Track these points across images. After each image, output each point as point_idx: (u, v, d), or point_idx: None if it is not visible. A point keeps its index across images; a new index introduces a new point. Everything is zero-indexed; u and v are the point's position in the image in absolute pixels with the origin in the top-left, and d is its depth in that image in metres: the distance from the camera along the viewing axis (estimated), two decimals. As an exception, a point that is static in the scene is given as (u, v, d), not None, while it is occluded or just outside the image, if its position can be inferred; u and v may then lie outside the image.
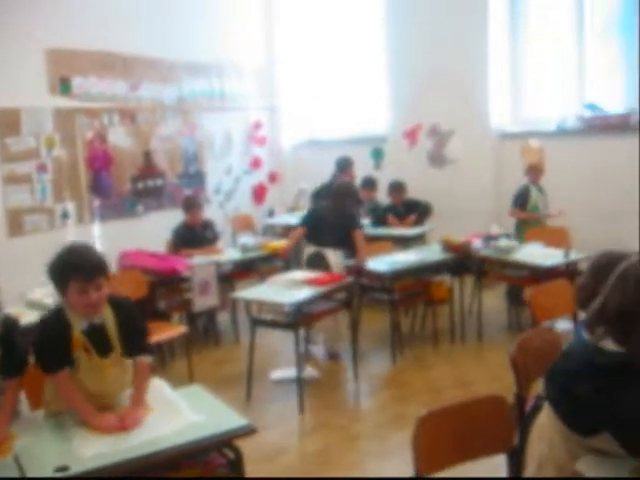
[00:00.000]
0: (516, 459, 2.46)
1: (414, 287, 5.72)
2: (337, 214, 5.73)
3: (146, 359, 2.89)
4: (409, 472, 2.37)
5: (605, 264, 2.61)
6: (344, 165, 7.54)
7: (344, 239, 5.64)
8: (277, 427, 4.49)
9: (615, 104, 7.48)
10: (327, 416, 4.68)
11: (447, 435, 2.41)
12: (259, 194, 9.48)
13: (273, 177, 9.69)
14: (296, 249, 7.70)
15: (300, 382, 4.74)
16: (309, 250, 5.82)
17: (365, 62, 9.11)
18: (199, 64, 8.51)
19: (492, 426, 2.49)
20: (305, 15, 9.51)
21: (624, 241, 5.04)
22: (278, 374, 5.32)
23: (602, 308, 2.11)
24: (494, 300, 6.37)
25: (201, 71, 8.60)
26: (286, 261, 6.49)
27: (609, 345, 2.07)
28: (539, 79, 7.97)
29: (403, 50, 8.39)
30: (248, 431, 2.60)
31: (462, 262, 5.79)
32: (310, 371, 5.36)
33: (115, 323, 2.79)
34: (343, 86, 9.37)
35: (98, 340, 2.75)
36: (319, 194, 7.56)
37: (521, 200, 6.34)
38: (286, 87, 9.73)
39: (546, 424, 2.23)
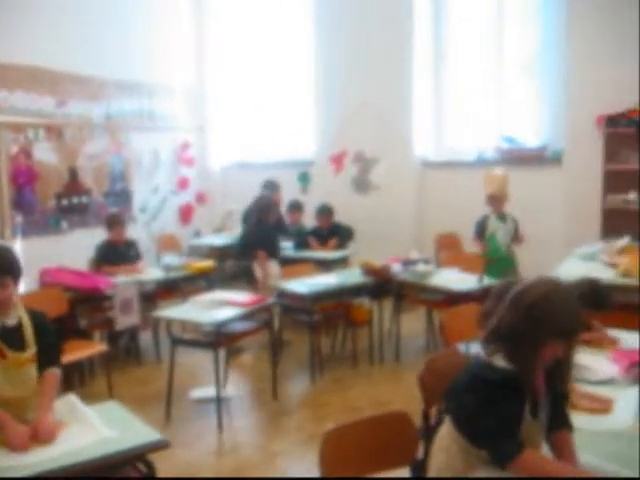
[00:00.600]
0: (419, 471, 2.58)
1: (334, 309, 5.86)
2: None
3: (56, 371, 2.92)
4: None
5: (506, 289, 2.79)
6: (270, 188, 7.64)
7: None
8: (195, 446, 4.53)
9: (532, 137, 7.85)
10: (245, 435, 4.74)
11: (353, 449, 2.53)
12: (186, 214, 9.49)
13: (201, 198, 9.72)
14: (221, 268, 7.80)
15: (219, 401, 4.80)
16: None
17: (294, 87, 9.29)
18: (129, 83, 8.51)
19: (397, 440, 2.62)
20: (236, 37, 9.65)
21: (546, 268, 5.24)
22: (198, 393, 5.36)
23: (495, 328, 2.28)
24: (413, 323, 6.56)
25: (131, 90, 8.59)
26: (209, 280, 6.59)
27: (499, 361, 2.23)
28: (461, 111, 8.30)
29: (331, 79, 8.61)
30: (161, 446, 2.65)
31: (381, 285, 5.95)
32: (230, 390, 5.42)
33: (31, 327, 2.83)
34: (272, 110, 9.52)
35: (13, 340, 2.77)
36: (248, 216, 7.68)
37: (479, 229, 6.32)
38: (216, 108, 9.81)
39: (445, 435, 2.37)
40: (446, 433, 2.38)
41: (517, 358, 2.20)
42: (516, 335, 2.20)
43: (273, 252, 6.64)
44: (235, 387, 5.54)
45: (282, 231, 7.08)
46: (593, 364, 3.26)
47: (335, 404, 5.11)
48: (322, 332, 6.16)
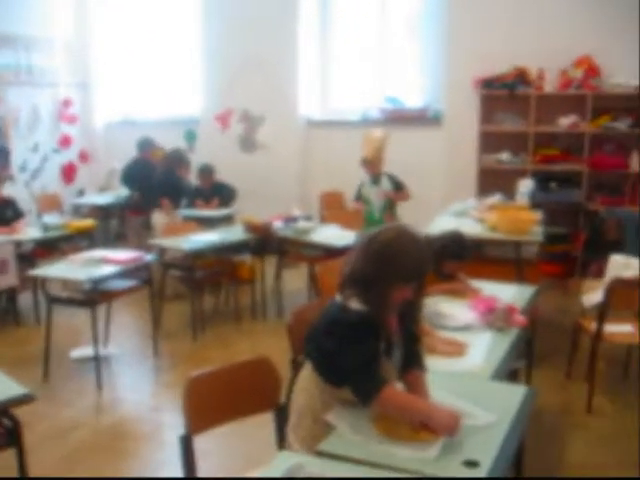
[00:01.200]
0: (281, 414, 2.68)
1: (216, 266, 5.88)
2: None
3: None
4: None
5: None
6: (145, 146, 7.52)
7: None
8: (74, 404, 4.51)
9: (414, 98, 8.06)
10: (125, 392, 4.75)
11: (216, 396, 2.59)
12: (69, 173, 9.21)
13: (84, 156, 9.45)
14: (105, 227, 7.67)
15: (98, 359, 4.77)
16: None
17: (180, 43, 9.10)
18: (4, 34, 8.11)
19: (260, 386, 2.70)
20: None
21: (427, 225, 5.39)
22: (78, 352, 5.30)
23: (349, 273, 2.38)
24: (295, 279, 6.67)
25: (6, 42, 8.20)
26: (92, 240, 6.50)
27: (354, 304, 2.34)
28: (346, 71, 8.39)
29: (217, 35, 8.49)
30: (25, 400, 2.64)
31: (264, 242, 6.03)
32: (112, 349, 5.40)
33: None
34: (158, 66, 9.29)
35: None
36: (128, 177, 7.57)
37: (357, 193, 6.36)
38: (100, 64, 9.48)
39: (305, 378, 2.47)
40: (306, 376, 2.48)
41: (369, 301, 2.31)
42: (367, 279, 2.30)
43: (177, 204, 7.00)
44: (117, 345, 5.51)
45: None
46: (453, 311, 3.45)
47: (216, 359, 5.15)
48: (205, 290, 6.19)
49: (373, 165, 6.21)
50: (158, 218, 6.85)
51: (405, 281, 2.30)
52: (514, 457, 2.64)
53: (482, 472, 2.01)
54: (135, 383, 4.93)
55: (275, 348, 3.16)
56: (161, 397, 4.62)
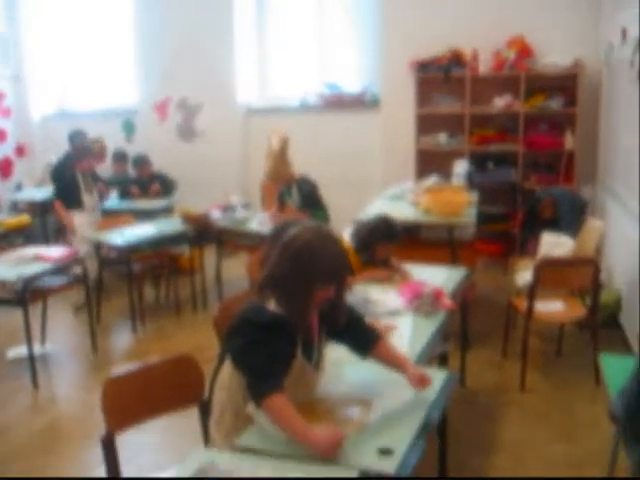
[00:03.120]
0: (205, 409, 2.67)
1: (154, 258, 5.82)
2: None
3: None
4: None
5: (279, 232, 2.92)
6: (77, 138, 7.35)
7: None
8: (7, 405, 4.43)
9: (352, 83, 8.05)
10: (62, 390, 4.69)
11: (137, 395, 2.57)
12: (5, 168, 8.99)
13: (20, 150, 9.23)
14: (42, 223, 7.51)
15: (32, 358, 4.69)
16: None
17: (114, 32, 8.92)
18: None
19: (183, 382, 2.69)
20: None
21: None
22: (14, 352, 5.21)
23: (268, 275, 2.36)
24: (236, 268, 6.63)
25: None
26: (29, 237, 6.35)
27: (272, 306, 2.33)
28: (284, 57, 8.33)
29: (151, 23, 8.36)
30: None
31: (202, 233, 5.97)
32: (49, 347, 5.31)
33: None
34: (93, 57, 9.11)
35: None
36: (57, 173, 7.39)
37: (278, 200, 5.98)
38: (32, 56, 9.24)
39: (227, 373, 2.46)
40: (227, 371, 2.47)
41: (288, 304, 2.30)
42: (286, 283, 2.28)
43: (73, 203, 6.45)
44: (54, 343, 5.42)
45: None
46: (381, 298, 3.47)
47: (156, 353, 5.09)
48: (144, 283, 6.12)
49: (278, 180, 5.91)
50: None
51: (325, 282, 2.29)
52: (440, 440, 2.70)
53: (396, 460, 2.03)
54: (72, 381, 4.87)
55: (216, 339, 3.14)
56: (98, 395, 4.54)
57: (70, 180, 6.43)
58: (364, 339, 2.55)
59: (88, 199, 6.49)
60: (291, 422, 2.14)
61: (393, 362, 2.51)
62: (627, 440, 1.90)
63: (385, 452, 2.07)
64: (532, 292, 4.23)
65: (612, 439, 2.47)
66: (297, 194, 5.79)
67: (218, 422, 2.50)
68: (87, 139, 7.47)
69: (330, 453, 2.04)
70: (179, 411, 2.71)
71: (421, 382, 2.38)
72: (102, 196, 6.73)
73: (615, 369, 2.28)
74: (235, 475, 1.86)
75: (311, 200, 5.73)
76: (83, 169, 6.47)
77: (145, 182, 7.10)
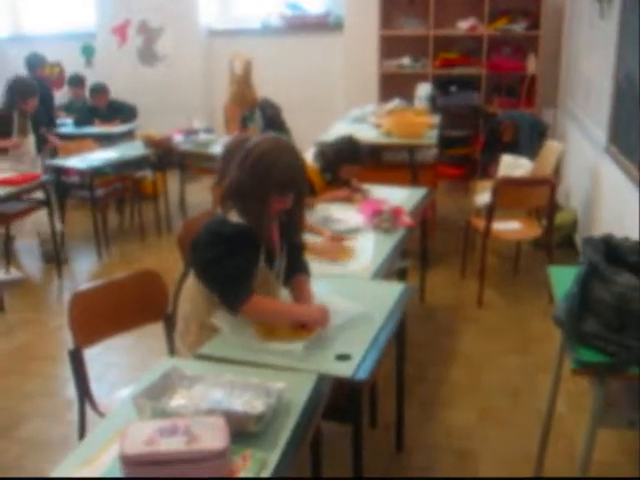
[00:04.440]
0: (169, 322, 2.74)
1: (117, 183, 5.80)
2: None
3: None
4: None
5: (234, 147, 2.96)
6: (33, 63, 7.15)
7: None
8: (-25, 330, 4.47)
9: (315, 4, 7.94)
10: (29, 313, 4.72)
11: (103, 310, 2.63)
12: (-40, 94, 8.76)
13: (-25, 75, 8.98)
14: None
15: (-1, 283, 4.72)
16: None
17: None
18: None
19: (148, 297, 2.75)
20: None
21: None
22: (-22, 278, 5.22)
23: (228, 186, 2.41)
24: (200, 192, 6.63)
25: None
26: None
27: (234, 217, 2.38)
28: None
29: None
30: None
31: (165, 157, 5.95)
32: (14, 272, 5.33)
33: None
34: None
35: None
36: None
37: (240, 122, 5.98)
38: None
39: (191, 286, 2.53)
40: (190, 284, 2.54)
41: (248, 213, 2.35)
42: (245, 191, 2.34)
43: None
44: (19, 268, 5.43)
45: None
46: (342, 216, 3.55)
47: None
48: (108, 208, 6.11)
49: (241, 104, 5.85)
50: None
51: (282, 191, 2.34)
52: (398, 349, 2.81)
53: (353, 364, 2.13)
54: (39, 305, 4.90)
55: (181, 262, 3.19)
56: (66, 317, 4.60)
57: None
58: (293, 266, 2.58)
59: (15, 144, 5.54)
60: (280, 308, 2.41)
61: (299, 298, 2.51)
62: (568, 341, 2.01)
63: (343, 357, 2.17)
64: (490, 211, 4.33)
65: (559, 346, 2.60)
66: (260, 118, 5.76)
67: (183, 334, 2.58)
68: (46, 63, 7.30)
69: (322, 320, 2.30)
70: (145, 325, 2.79)
71: (318, 321, 2.32)
72: (51, 150, 6.20)
73: (562, 279, 2.38)
74: (198, 379, 1.94)
75: (274, 123, 5.72)
76: (23, 109, 5.54)
77: (102, 111, 6.96)
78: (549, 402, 2.75)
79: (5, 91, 5.57)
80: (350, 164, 3.97)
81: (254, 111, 5.80)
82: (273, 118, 5.74)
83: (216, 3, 8.22)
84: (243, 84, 5.81)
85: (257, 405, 1.80)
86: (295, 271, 2.58)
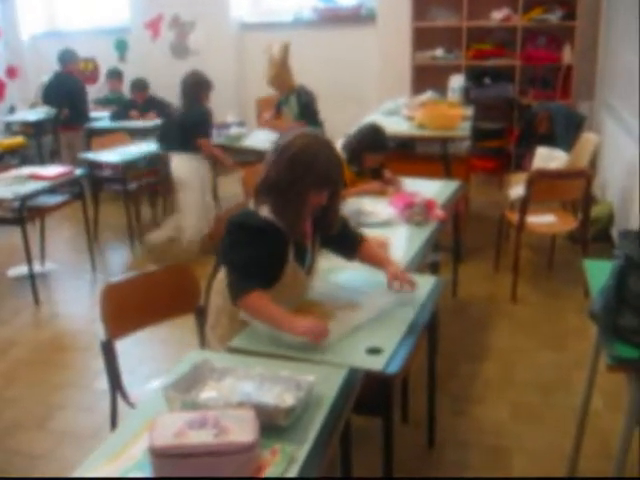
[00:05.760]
0: (200, 314, 2.75)
1: (149, 176, 5.83)
2: (187, 111, 5.39)
3: None
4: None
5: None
6: (66, 58, 7.22)
7: (190, 141, 5.32)
8: (12, 322, 4.54)
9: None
10: (62, 306, 4.79)
11: (134, 302, 2.64)
12: (-3, 90, 8.90)
13: (12, 72, 9.09)
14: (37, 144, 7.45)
15: (32, 276, 4.76)
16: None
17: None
18: None
19: (180, 290, 2.76)
20: None
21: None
22: (15, 271, 5.29)
23: (263, 181, 2.39)
24: (232, 185, 6.62)
25: None
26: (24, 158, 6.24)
27: (264, 212, 2.37)
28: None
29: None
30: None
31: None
32: (49, 265, 5.39)
33: None
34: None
35: None
36: (49, 94, 7.26)
37: (275, 109, 5.89)
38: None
39: (222, 279, 2.52)
40: (222, 277, 2.53)
41: (282, 209, 2.33)
42: (281, 187, 2.31)
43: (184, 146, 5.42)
44: (54, 262, 5.49)
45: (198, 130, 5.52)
46: (373, 209, 3.51)
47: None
48: (141, 201, 6.15)
49: (279, 85, 5.73)
50: (175, 162, 5.39)
51: (318, 187, 2.32)
52: (430, 343, 2.78)
53: (384, 358, 2.10)
54: (72, 297, 4.95)
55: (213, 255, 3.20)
56: (98, 310, 4.64)
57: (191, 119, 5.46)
58: (350, 242, 2.63)
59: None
60: (272, 313, 2.23)
61: (376, 261, 2.61)
62: (605, 336, 1.96)
63: (374, 351, 2.15)
64: (524, 204, 4.27)
65: (595, 341, 2.55)
66: (295, 104, 5.73)
67: (214, 326, 2.58)
68: (78, 58, 7.36)
69: (316, 336, 2.15)
70: (176, 318, 2.79)
71: (399, 278, 2.48)
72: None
73: (597, 273, 2.34)
74: (228, 372, 1.93)
75: (308, 110, 5.68)
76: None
77: (140, 107, 7.01)
78: (584, 399, 2.70)
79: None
80: (373, 152, 3.90)
81: (290, 96, 5.79)
82: (308, 105, 5.68)
83: (247, -4, 8.22)
84: (281, 67, 5.78)
85: (287, 398, 1.79)
86: (357, 243, 2.63)
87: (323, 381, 1.91)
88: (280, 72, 5.68)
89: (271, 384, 1.87)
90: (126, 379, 2.67)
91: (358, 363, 2.08)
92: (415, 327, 2.31)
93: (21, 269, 5.21)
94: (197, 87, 5.46)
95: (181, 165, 5.34)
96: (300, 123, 5.41)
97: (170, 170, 5.35)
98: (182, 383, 1.85)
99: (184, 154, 5.34)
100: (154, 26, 8.33)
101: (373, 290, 2.53)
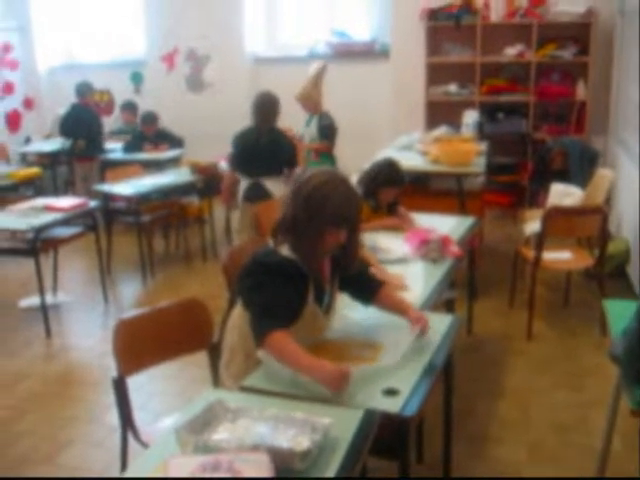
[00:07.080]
0: (214, 352, 2.71)
1: (163, 209, 5.84)
2: (268, 137, 5.31)
3: None
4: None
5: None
6: (83, 90, 7.29)
7: (278, 166, 5.16)
8: (22, 354, 4.51)
9: (361, 31, 7.96)
10: (74, 339, 4.76)
11: (147, 338, 2.61)
12: (13, 121, 8.98)
13: (29, 103, 9.21)
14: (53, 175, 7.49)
15: (44, 308, 4.75)
16: (244, 183, 5.20)
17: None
18: None
19: (192, 326, 2.73)
20: None
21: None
22: (26, 302, 5.28)
23: (281, 220, 2.37)
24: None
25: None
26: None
27: (284, 251, 2.34)
28: (292, 5, 8.23)
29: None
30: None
31: (210, 183, 5.98)
32: (60, 296, 5.38)
33: None
34: (100, 7, 9.00)
35: None
36: (65, 126, 7.32)
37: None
38: (39, 6, 9.16)
39: (238, 316, 2.49)
40: (237, 313, 2.50)
41: (300, 247, 2.31)
42: (298, 226, 2.29)
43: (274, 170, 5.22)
44: (66, 293, 5.48)
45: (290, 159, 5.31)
46: (389, 245, 3.49)
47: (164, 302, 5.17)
48: (154, 233, 6.15)
49: (305, 103, 5.83)
50: (273, 188, 5.10)
51: (336, 225, 2.30)
52: (446, 383, 2.73)
53: (401, 399, 2.06)
54: (84, 330, 4.93)
55: (226, 288, 3.17)
56: (110, 342, 4.61)
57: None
58: (367, 286, 2.59)
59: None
60: (296, 355, 2.15)
61: (395, 307, 2.55)
62: (627, 380, 1.92)
63: (390, 392, 2.11)
64: (540, 240, 4.24)
65: (615, 382, 2.50)
66: (316, 126, 5.77)
67: (228, 364, 2.54)
68: (94, 90, 7.43)
69: (337, 386, 2.06)
70: (189, 354, 2.76)
71: (420, 321, 2.43)
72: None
73: (618, 314, 2.30)
74: (242, 412, 1.89)
75: (328, 132, 5.73)
76: None
77: (151, 139, 7.05)
78: (605, 440, 2.65)
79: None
80: (390, 187, 3.89)
81: (313, 117, 5.84)
82: (328, 127, 5.75)
83: (262, 31, 8.30)
84: (312, 85, 5.85)
85: (303, 441, 1.75)
86: (375, 288, 2.58)
87: (339, 423, 1.87)
88: (310, 90, 5.81)
89: (286, 426, 1.82)
90: (137, 415, 2.63)
91: (374, 405, 2.04)
92: (432, 368, 2.27)
93: (33, 300, 5.21)
94: (275, 107, 5.36)
95: (279, 189, 5.01)
96: (322, 146, 5.53)
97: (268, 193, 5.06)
98: (195, 424, 1.81)
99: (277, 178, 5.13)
100: (170, 59, 8.43)
101: (390, 327, 2.49)
